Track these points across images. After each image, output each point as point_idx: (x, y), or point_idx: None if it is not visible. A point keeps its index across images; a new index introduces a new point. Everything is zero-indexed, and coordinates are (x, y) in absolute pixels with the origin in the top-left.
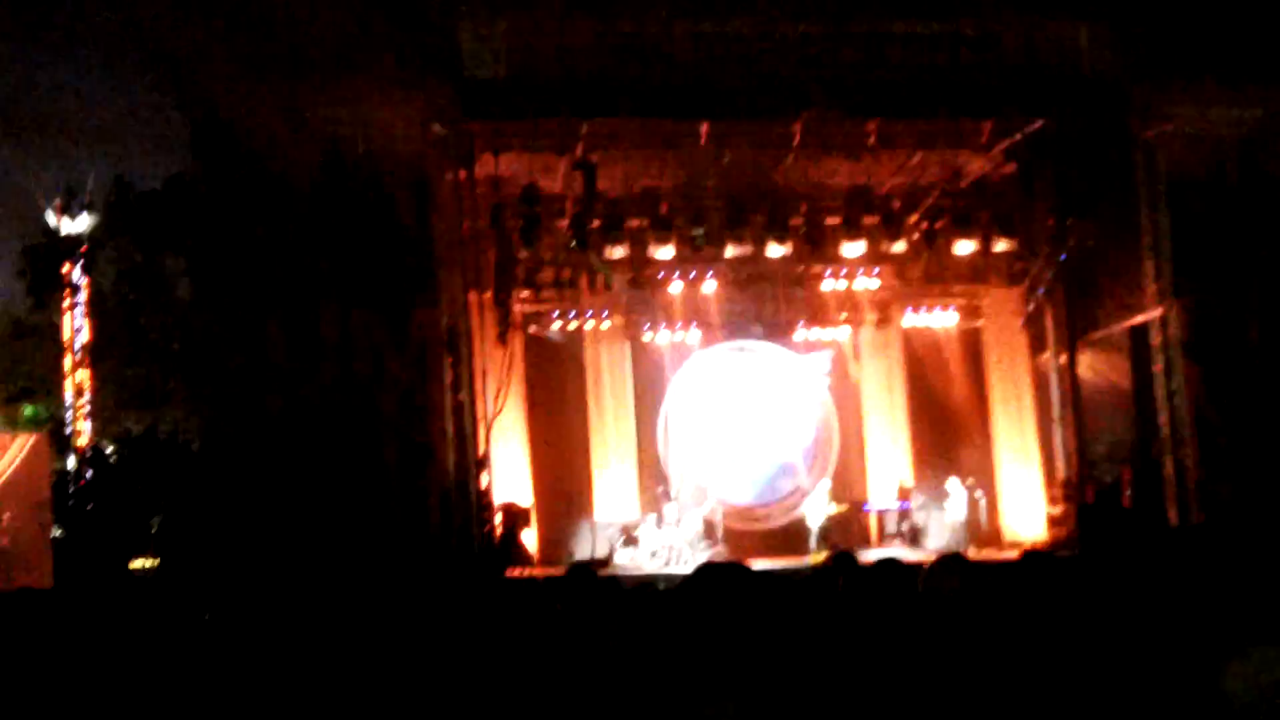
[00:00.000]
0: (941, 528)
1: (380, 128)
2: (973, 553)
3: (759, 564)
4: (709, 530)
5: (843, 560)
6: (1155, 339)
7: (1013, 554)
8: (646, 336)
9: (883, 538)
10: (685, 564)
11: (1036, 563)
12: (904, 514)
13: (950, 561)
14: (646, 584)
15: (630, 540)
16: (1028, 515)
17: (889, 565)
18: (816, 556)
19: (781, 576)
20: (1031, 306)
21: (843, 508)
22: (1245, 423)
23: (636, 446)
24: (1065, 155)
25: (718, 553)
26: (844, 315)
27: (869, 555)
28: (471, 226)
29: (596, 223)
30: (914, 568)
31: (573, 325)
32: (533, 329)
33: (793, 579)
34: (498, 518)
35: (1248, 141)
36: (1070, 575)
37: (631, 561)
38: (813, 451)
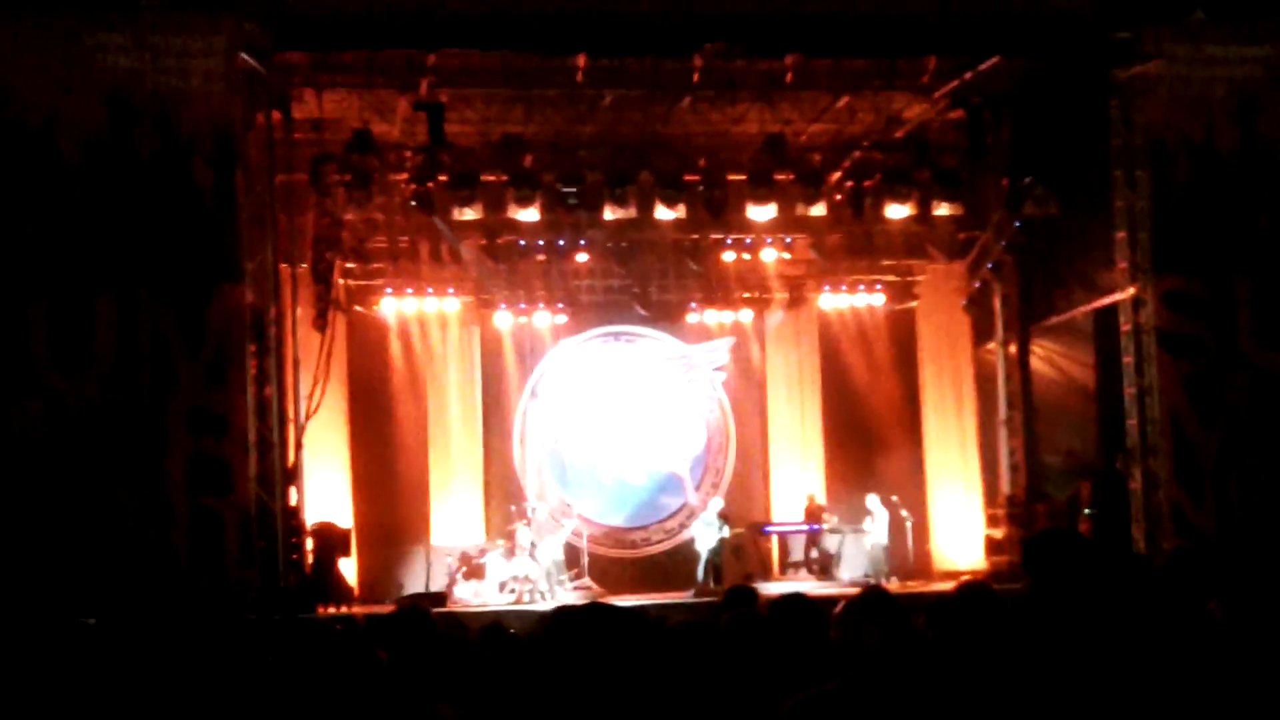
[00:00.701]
0: (859, 555)
1: (173, 61)
2: (895, 585)
3: (633, 601)
4: (572, 559)
5: (738, 597)
6: (1125, 325)
7: (945, 586)
8: (501, 320)
9: (786, 567)
10: (542, 600)
11: (974, 598)
12: (814, 538)
13: (870, 601)
14: (493, 626)
15: (474, 571)
16: (964, 540)
17: (794, 603)
18: (706, 590)
19: (660, 618)
20: (977, 285)
21: (738, 531)
22: (1230, 430)
23: (485, 456)
24: (1025, 102)
25: (582, 587)
26: (748, 295)
27: (770, 589)
28: (286, 183)
29: (443, 177)
30: (825, 606)
31: (410, 305)
32: (359, 309)
33: (674, 621)
34: (309, 543)
35: (1248, 98)
36: (1015, 615)
37: (475, 597)
38: (703, 462)
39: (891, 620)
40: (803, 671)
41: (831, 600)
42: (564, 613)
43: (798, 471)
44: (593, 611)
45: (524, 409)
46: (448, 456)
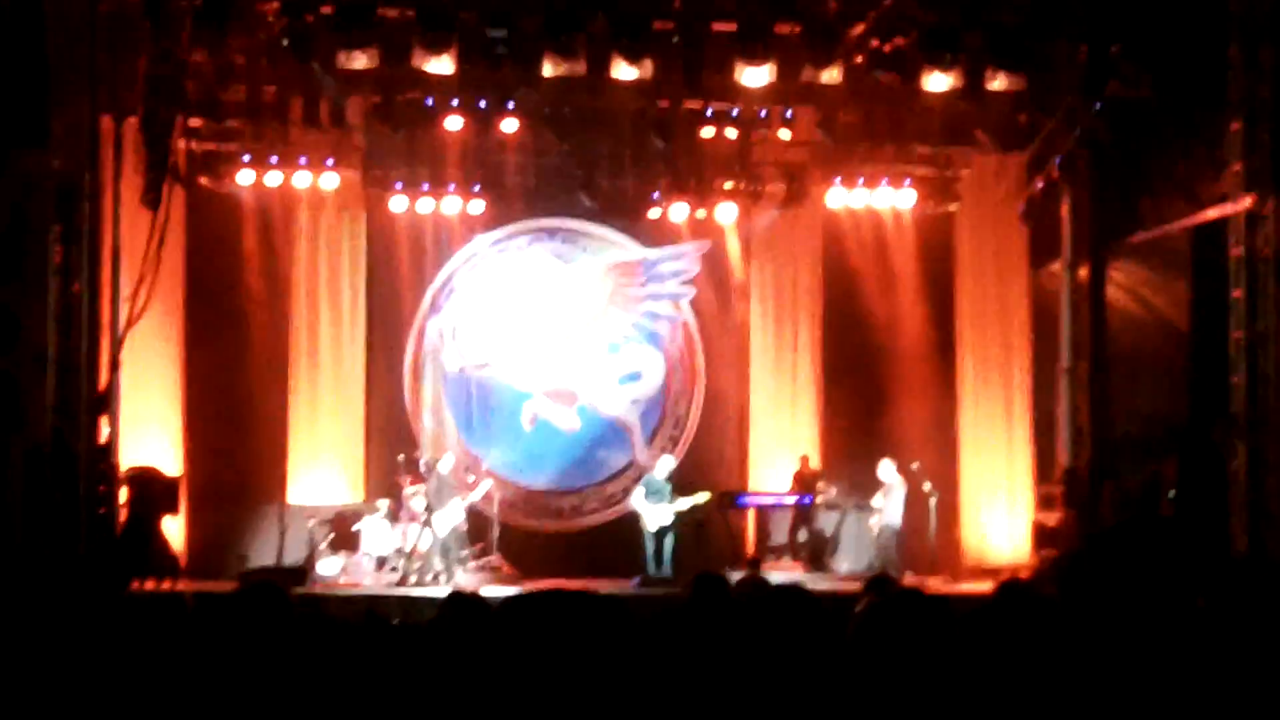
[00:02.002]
0: (862, 540)
1: None
2: (910, 582)
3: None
4: (478, 530)
5: (708, 587)
6: (1235, 249)
7: (978, 587)
8: (396, 204)
9: (765, 553)
10: (435, 583)
11: (1016, 603)
12: (803, 515)
13: (904, 603)
14: (371, 616)
15: (345, 541)
16: (1006, 526)
17: (792, 597)
18: (654, 580)
19: (597, 611)
20: (1039, 187)
21: (701, 500)
22: None
23: (366, 387)
24: None
25: (488, 567)
26: (730, 186)
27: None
28: (113, 11)
29: (327, 10)
30: (830, 604)
31: (273, 179)
32: (205, 182)
33: (616, 617)
34: (122, 494)
35: None
36: (1069, 627)
37: (346, 575)
38: (660, 407)
39: (917, 617)
40: (803, 690)
41: (826, 599)
42: (468, 599)
43: (786, 424)
44: (521, 600)
45: (421, 326)
46: (315, 386)
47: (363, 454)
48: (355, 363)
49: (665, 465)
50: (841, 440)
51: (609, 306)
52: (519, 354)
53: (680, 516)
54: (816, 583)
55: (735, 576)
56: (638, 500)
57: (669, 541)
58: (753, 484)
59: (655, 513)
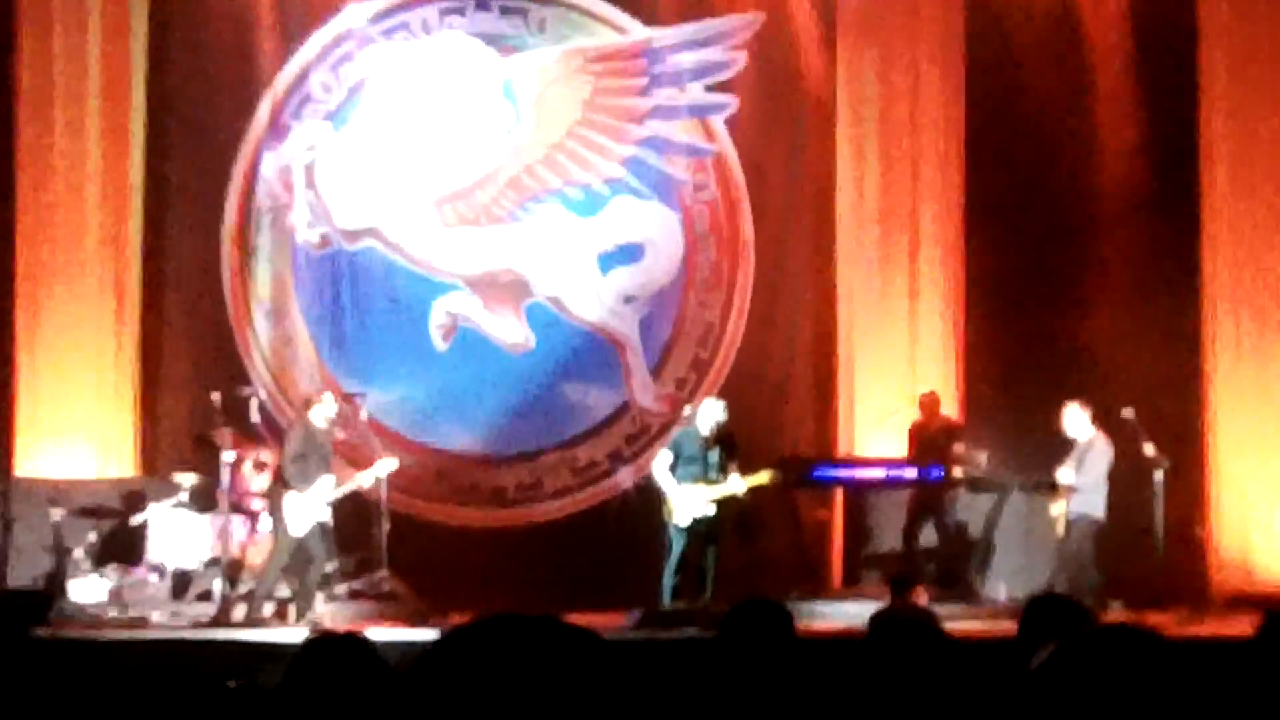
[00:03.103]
0: (1033, 541)
1: None
2: (1116, 615)
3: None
4: (358, 528)
5: (755, 626)
6: None
7: (1241, 628)
8: None
9: (863, 565)
10: (285, 620)
11: None
12: (927, 498)
13: (1092, 641)
14: (170, 675)
15: (120, 546)
16: None
17: (922, 645)
18: (670, 614)
19: (573, 666)
20: None
21: (765, 479)
22: None
23: (145, 276)
24: None
25: (373, 592)
26: None
27: (827, 614)
28: None
29: None
30: (980, 653)
31: None
32: None
33: (603, 682)
34: None
35: None
36: None
37: (122, 604)
38: (674, 307)
39: (1161, 693)
40: None
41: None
42: (331, 643)
43: (897, 343)
44: (485, 649)
45: (249, 165)
46: (50, 274)
47: (133, 393)
48: (124, 230)
49: (710, 413)
50: (996, 373)
51: (584, 129)
52: (425, 215)
53: (725, 510)
54: (955, 618)
55: (806, 608)
56: (661, 472)
57: (711, 551)
58: (840, 446)
59: (688, 497)
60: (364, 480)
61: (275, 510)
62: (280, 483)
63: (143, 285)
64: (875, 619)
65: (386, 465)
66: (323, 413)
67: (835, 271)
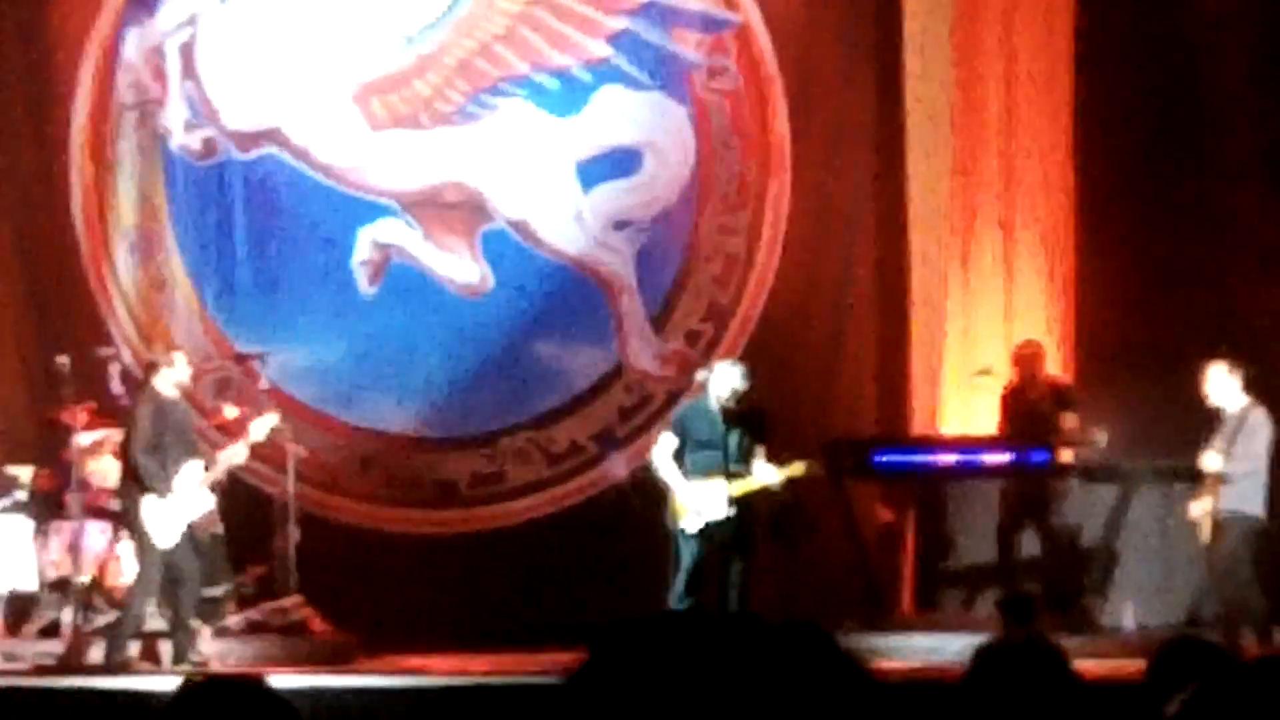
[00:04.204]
0: (1172, 550)
1: None
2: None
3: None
4: (256, 533)
5: (798, 660)
6: None
7: None
8: None
9: (941, 584)
10: (155, 661)
11: None
12: (1027, 491)
13: (1238, 676)
14: None
15: None
16: None
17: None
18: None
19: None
20: None
21: (800, 468)
22: None
23: None
24: None
25: (275, 622)
26: None
27: (891, 648)
28: None
29: None
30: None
31: None
32: None
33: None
34: None
35: None
36: None
37: None
38: (684, 237)
39: None
40: None
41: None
42: (211, 702)
43: (990, 283)
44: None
45: (106, 50)
46: None
47: None
48: None
49: (724, 380)
50: (1117, 321)
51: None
52: (343, 112)
53: (752, 507)
54: (1068, 653)
55: (866, 641)
56: (663, 461)
57: (736, 567)
58: (914, 424)
59: (701, 495)
60: (236, 455)
61: (132, 519)
62: (133, 482)
63: None
64: (984, 653)
65: (264, 424)
66: (172, 377)
67: (905, 187)
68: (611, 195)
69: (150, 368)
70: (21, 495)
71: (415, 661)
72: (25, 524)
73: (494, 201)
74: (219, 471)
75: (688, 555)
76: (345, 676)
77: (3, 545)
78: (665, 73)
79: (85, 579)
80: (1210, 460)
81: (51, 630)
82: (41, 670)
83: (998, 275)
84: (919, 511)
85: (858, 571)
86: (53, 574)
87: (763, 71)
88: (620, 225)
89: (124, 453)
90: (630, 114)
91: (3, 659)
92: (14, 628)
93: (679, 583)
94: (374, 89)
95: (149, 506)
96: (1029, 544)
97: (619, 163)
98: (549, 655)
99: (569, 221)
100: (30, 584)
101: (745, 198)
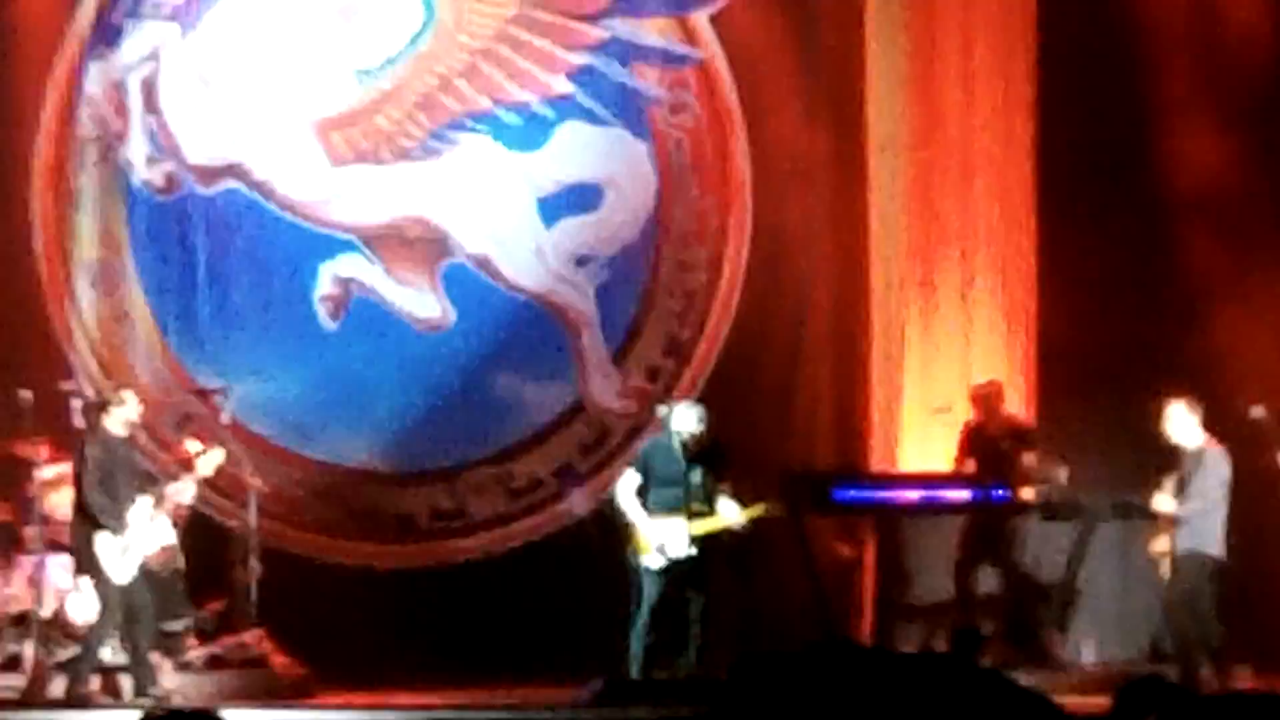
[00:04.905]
0: (1130, 589)
1: None
2: (1243, 679)
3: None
4: (213, 568)
5: (760, 689)
6: None
7: None
8: None
9: (901, 621)
10: (115, 695)
11: None
12: (987, 527)
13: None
14: None
15: None
16: None
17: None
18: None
19: None
20: None
21: (761, 509)
22: None
23: None
24: None
25: (235, 657)
26: None
27: None
28: None
29: None
30: None
31: None
32: None
33: None
34: None
35: None
36: None
37: None
38: (644, 270)
39: None
40: None
41: None
42: None
43: (950, 317)
44: None
45: (68, 80)
46: None
47: None
48: None
49: (682, 421)
50: (1078, 357)
51: (520, 29)
52: (305, 147)
53: (713, 544)
54: (1034, 688)
55: None
56: (626, 498)
57: (696, 603)
58: (872, 459)
59: (663, 532)
60: (183, 492)
61: (86, 556)
62: (86, 519)
63: None
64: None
65: (211, 460)
66: (122, 416)
67: (866, 222)
68: (572, 230)
69: (98, 408)
70: None
71: (374, 697)
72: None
73: (455, 236)
74: (167, 507)
75: (649, 591)
76: (305, 711)
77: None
78: (626, 108)
79: (46, 613)
80: (1163, 502)
81: (13, 664)
82: (2, 704)
83: (958, 310)
84: (878, 546)
85: (815, 606)
86: (14, 608)
87: (723, 106)
88: (581, 261)
89: (76, 491)
90: (591, 149)
91: None
92: None
93: (641, 618)
94: (334, 124)
95: (102, 543)
96: (988, 580)
97: (580, 198)
98: (509, 689)
99: (530, 257)
100: None
101: (705, 233)
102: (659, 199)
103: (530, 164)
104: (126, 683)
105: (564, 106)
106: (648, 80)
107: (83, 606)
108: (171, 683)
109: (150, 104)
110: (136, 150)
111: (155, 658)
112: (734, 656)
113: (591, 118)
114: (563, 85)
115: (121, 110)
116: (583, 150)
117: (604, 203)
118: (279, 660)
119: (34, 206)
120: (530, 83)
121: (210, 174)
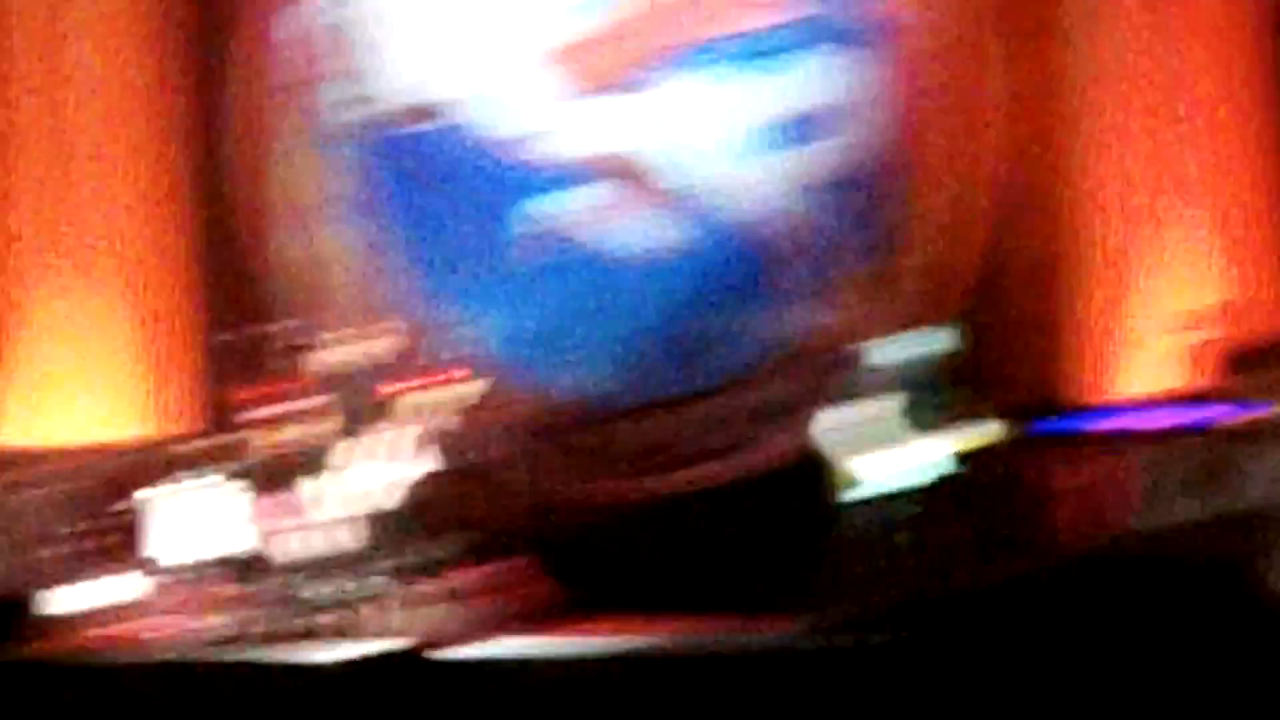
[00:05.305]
0: None
1: None
2: None
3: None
4: (434, 506)
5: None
6: None
7: None
8: None
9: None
10: (343, 636)
11: None
12: (1202, 453)
13: None
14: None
15: (110, 544)
16: None
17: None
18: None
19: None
20: None
21: (983, 438)
22: None
23: (136, 178)
24: None
25: (461, 590)
26: None
27: None
28: None
29: None
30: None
31: None
32: None
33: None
34: None
35: None
36: None
37: (116, 613)
38: (885, 201)
39: None
40: None
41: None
42: (401, 673)
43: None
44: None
45: (258, 30)
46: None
47: (136, 334)
48: (109, 125)
49: (922, 344)
50: None
51: None
52: (518, 81)
53: (924, 476)
54: None
55: None
56: (838, 430)
57: (905, 535)
58: (1116, 381)
59: (881, 461)
60: (413, 429)
61: (324, 493)
62: (321, 456)
63: (136, 192)
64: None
65: (441, 397)
66: (355, 353)
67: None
68: (806, 158)
69: (329, 346)
70: (216, 469)
71: (628, 623)
72: (244, 493)
73: (677, 169)
74: (401, 444)
75: (858, 523)
76: (560, 638)
77: (185, 521)
78: (871, 30)
79: (265, 553)
80: None
81: (232, 603)
82: (213, 640)
83: (1194, 226)
84: (1107, 475)
85: (1030, 538)
86: (228, 547)
87: (976, 28)
88: (817, 189)
89: (313, 429)
90: (831, 74)
91: (180, 632)
92: (192, 604)
93: (847, 550)
94: (556, 56)
95: (342, 477)
96: (1216, 506)
97: (817, 125)
98: (729, 623)
99: (754, 187)
100: (206, 552)
101: (953, 161)
102: (903, 125)
103: (763, 91)
104: (357, 622)
105: (805, 30)
106: (874, 3)
107: (310, 544)
108: (401, 624)
109: (348, 45)
110: (343, 92)
111: (398, 590)
112: (944, 589)
113: (834, 40)
114: (802, 7)
115: (321, 52)
116: (822, 76)
117: (842, 129)
118: (531, 589)
119: (231, 153)
120: (769, 6)
121: (417, 114)
